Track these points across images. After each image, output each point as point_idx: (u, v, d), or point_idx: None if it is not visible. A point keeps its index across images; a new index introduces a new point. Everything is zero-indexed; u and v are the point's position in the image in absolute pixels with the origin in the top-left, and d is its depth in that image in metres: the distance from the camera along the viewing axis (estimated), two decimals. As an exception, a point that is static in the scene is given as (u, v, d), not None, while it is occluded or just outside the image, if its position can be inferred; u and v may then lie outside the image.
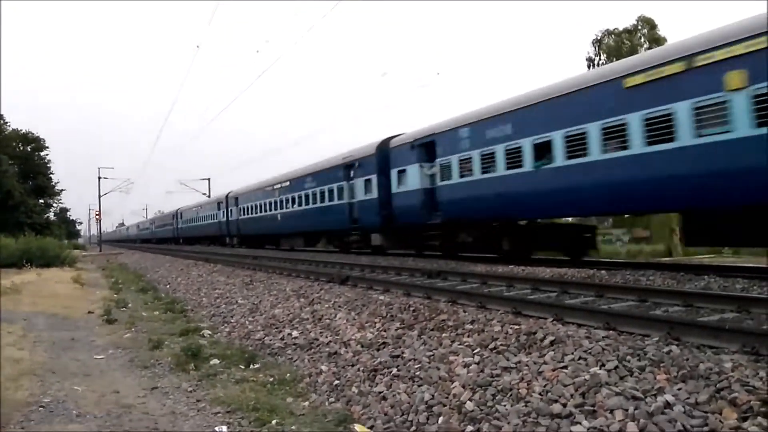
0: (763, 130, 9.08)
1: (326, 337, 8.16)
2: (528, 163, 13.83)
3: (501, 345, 5.74)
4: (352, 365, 6.77)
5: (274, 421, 5.39)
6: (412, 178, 18.70)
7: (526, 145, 13.88)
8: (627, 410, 3.92)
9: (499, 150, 14.74)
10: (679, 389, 4.03)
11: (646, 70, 11.00)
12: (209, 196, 59.00)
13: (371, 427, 5.19)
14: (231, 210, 40.14)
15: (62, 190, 59.71)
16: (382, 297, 9.52)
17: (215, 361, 7.97)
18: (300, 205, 27.65)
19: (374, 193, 20.85)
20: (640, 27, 36.04)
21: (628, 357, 4.68)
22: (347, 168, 22.99)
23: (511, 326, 6.18)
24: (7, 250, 28.62)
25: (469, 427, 4.51)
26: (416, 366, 5.97)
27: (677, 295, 7.31)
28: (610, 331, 5.66)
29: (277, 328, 9.57)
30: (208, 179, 65.80)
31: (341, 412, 5.61)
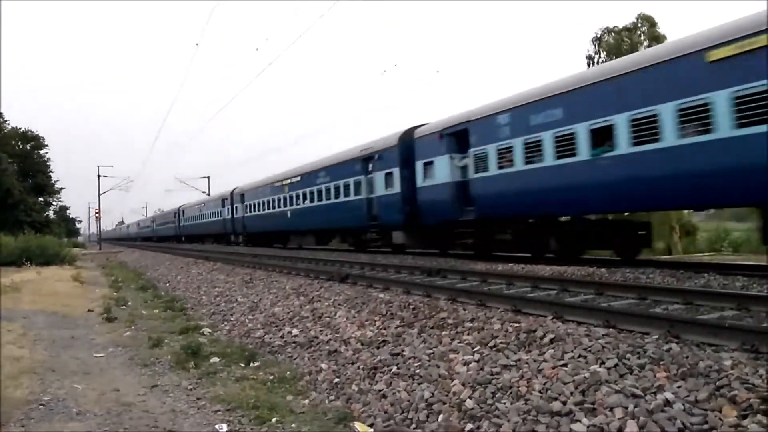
0: None
1: (326, 335, 8.17)
2: (584, 151, 12.28)
3: (501, 343, 5.74)
4: (352, 363, 6.78)
5: (274, 419, 5.40)
6: (441, 170, 17.13)
7: (582, 130, 12.32)
8: (627, 408, 3.92)
9: (547, 137, 13.17)
10: (678, 387, 4.03)
11: (737, 40, 9.50)
12: (209, 194, 58.89)
13: (371, 425, 5.19)
14: (236, 207, 38.71)
15: (62, 188, 59.80)
16: (381, 295, 9.52)
17: (215, 359, 7.98)
18: (312, 201, 26.29)
19: (396, 188, 19.35)
20: (639, 25, 35.98)
21: (628, 355, 4.69)
22: (365, 161, 21.49)
23: (510, 324, 6.19)
24: (6, 249, 28.61)
25: (469, 425, 4.52)
26: (416, 364, 5.98)
27: (677, 293, 7.31)
28: (610, 329, 5.65)
29: (277, 326, 9.57)
30: (208, 177, 65.75)
31: (341, 410, 5.61)
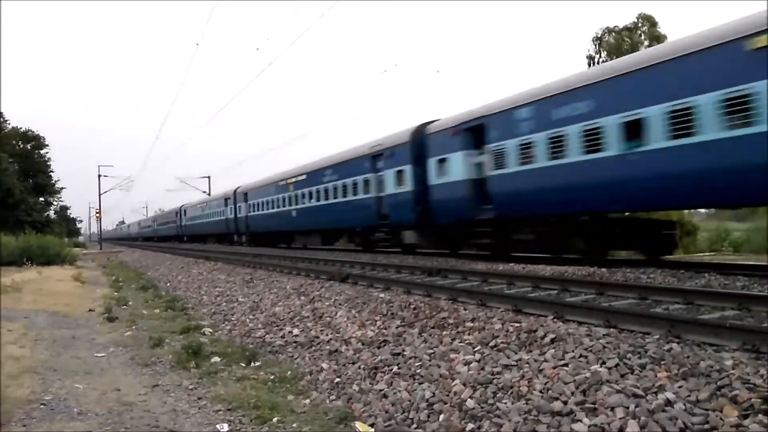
0: None
1: (327, 335, 8.17)
2: (613, 145, 11.55)
3: (501, 343, 5.74)
4: (353, 363, 6.78)
5: (275, 419, 5.41)
6: (456, 167, 16.35)
7: (612, 124, 11.58)
8: (628, 408, 3.92)
9: (573, 131, 12.42)
10: (679, 387, 4.03)
11: None
12: (209, 194, 58.80)
13: (372, 425, 5.19)
14: (239, 206, 37.96)
15: (62, 188, 59.80)
16: (382, 295, 9.53)
17: (216, 359, 7.99)
18: (318, 200, 25.58)
19: (408, 186, 18.59)
20: (640, 24, 35.98)
21: (629, 355, 4.69)
22: (374, 158, 20.76)
23: (511, 324, 6.19)
24: (7, 249, 28.63)
25: (470, 425, 4.52)
26: (417, 364, 5.98)
27: (678, 293, 7.31)
28: (611, 329, 5.65)
29: (277, 326, 9.58)
30: (208, 177, 65.70)
31: (342, 409, 5.62)
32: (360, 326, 7.97)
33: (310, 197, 26.45)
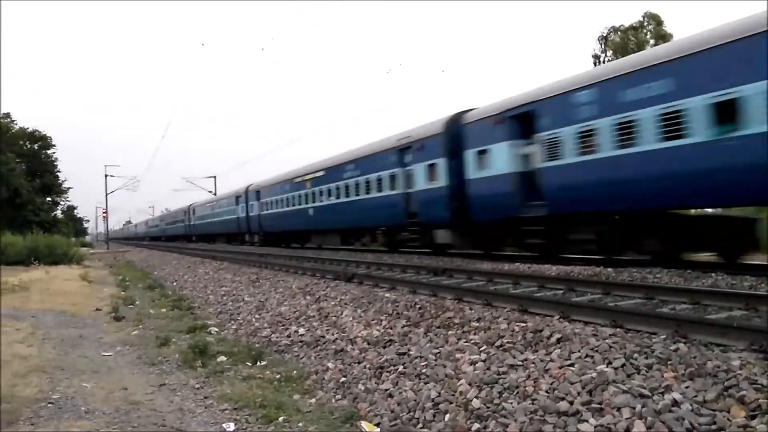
0: None
1: (332, 334, 8.18)
2: (700, 131, 10.04)
3: (507, 342, 5.73)
4: (359, 362, 6.79)
5: (281, 418, 5.42)
6: (499, 159, 14.83)
7: (697, 106, 10.07)
8: (634, 408, 3.91)
9: (647, 115, 10.84)
10: (686, 387, 4.02)
11: None
12: (215, 194, 58.86)
13: (378, 425, 5.20)
14: (251, 204, 36.57)
15: (69, 188, 59.92)
16: (388, 294, 9.53)
17: (222, 358, 8.01)
18: (338, 197, 24.23)
19: (441, 181, 17.13)
20: (646, 23, 35.86)
21: (635, 355, 4.67)
22: (402, 152, 19.30)
23: (517, 324, 6.18)
24: (15, 248, 28.84)
25: (476, 425, 4.52)
26: (422, 363, 5.98)
27: (684, 293, 7.29)
28: (617, 329, 5.64)
29: (283, 325, 9.59)
30: (214, 177, 65.86)
31: (348, 409, 5.62)
32: (365, 326, 7.97)
33: (329, 194, 25.18)
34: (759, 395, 3.71)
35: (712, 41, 10.02)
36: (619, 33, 36.26)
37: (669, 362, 4.43)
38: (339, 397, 6.11)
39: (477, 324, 6.58)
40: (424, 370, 5.80)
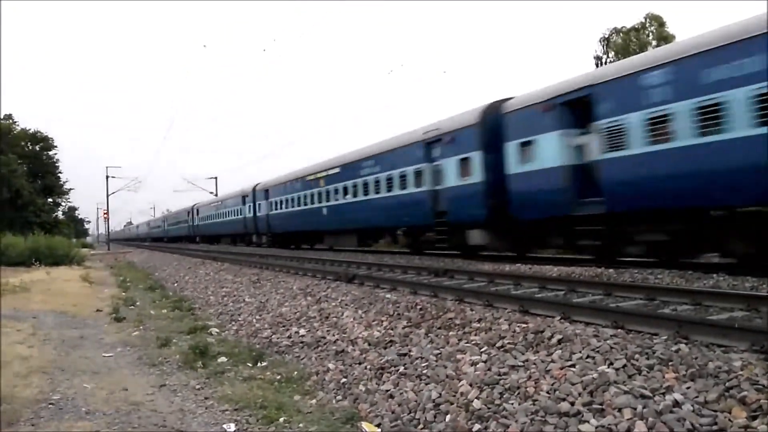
0: None
1: (333, 335, 8.18)
2: None
3: (508, 343, 5.73)
4: (360, 363, 6.78)
5: (281, 419, 5.42)
6: (547, 151, 13.29)
7: None
8: (635, 409, 3.90)
9: (738, 97, 9.37)
10: (687, 388, 4.01)
11: None
12: (216, 194, 58.80)
13: (379, 425, 5.19)
14: (259, 204, 35.10)
15: (70, 189, 60.04)
16: (389, 295, 9.53)
17: (223, 359, 8.01)
18: (355, 195, 22.70)
19: (476, 176, 15.67)
20: (648, 24, 35.85)
21: (637, 356, 4.67)
22: (429, 145, 17.87)
23: (518, 325, 6.17)
24: (16, 249, 28.88)
25: (477, 426, 4.51)
26: (423, 364, 5.98)
27: (686, 294, 7.28)
28: (618, 330, 5.63)
29: (284, 326, 9.59)
30: (215, 178, 65.89)
31: (349, 410, 5.62)
32: (366, 327, 7.97)
33: (345, 193, 23.69)
34: (760, 396, 3.70)
35: None
36: (620, 34, 36.25)
37: (670, 363, 4.42)
38: (340, 397, 6.10)
39: (478, 325, 6.58)
40: (424, 371, 5.79)
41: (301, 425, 5.28)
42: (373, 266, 14.93)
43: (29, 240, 31.26)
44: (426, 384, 5.53)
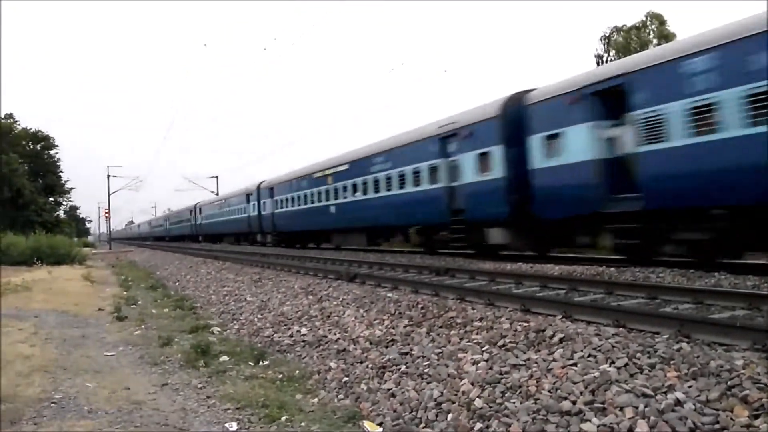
0: None
1: (335, 334, 8.18)
2: None
3: (510, 342, 5.73)
4: (361, 362, 6.79)
5: (283, 418, 5.42)
6: (576, 144, 12.50)
7: None
8: (637, 408, 3.90)
9: None
10: (689, 387, 4.01)
11: None
12: (217, 194, 58.79)
13: (380, 424, 5.20)
14: (264, 203, 34.38)
15: (72, 188, 60.19)
16: (390, 294, 9.53)
17: (224, 358, 8.01)
18: (365, 193, 21.99)
19: (497, 172, 14.89)
20: (648, 23, 35.83)
21: (638, 354, 4.67)
22: (445, 140, 17.10)
23: (519, 323, 6.17)
24: (18, 248, 28.93)
25: (478, 425, 4.51)
26: (425, 363, 5.98)
27: (687, 292, 7.28)
28: (620, 329, 5.64)
29: (285, 325, 9.60)
30: (216, 177, 65.96)
31: (350, 408, 5.62)
32: (368, 325, 7.97)
33: (355, 190, 22.91)
34: (762, 395, 3.70)
35: None
36: (621, 33, 36.22)
37: (672, 362, 4.42)
38: (341, 396, 6.11)
39: (479, 324, 6.58)
40: (426, 370, 5.80)
41: (303, 424, 5.28)
42: (375, 265, 14.94)
43: (31, 239, 31.31)
44: (427, 383, 5.53)
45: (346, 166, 24.00)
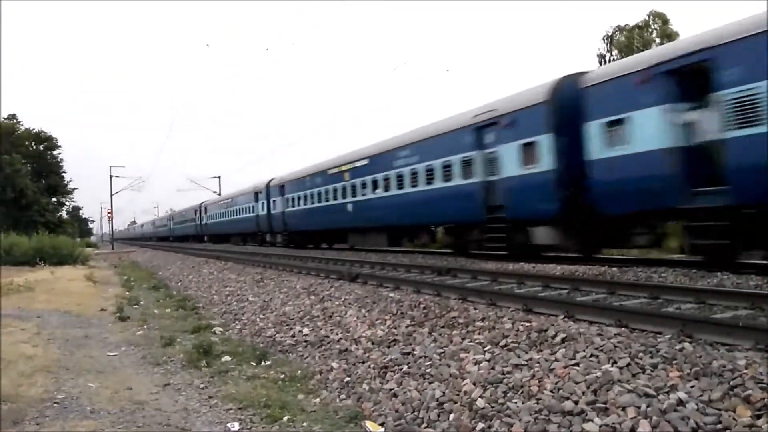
0: None
1: (337, 334, 8.18)
2: None
3: (512, 342, 5.73)
4: (363, 362, 6.79)
5: (285, 418, 5.42)
6: (647, 130, 10.90)
7: None
8: (639, 408, 3.90)
9: None
10: (692, 387, 4.00)
11: None
12: (220, 194, 58.77)
13: (382, 424, 5.20)
14: (274, 201, 32.98)
15: (74, 188, 60.26)
16: (392, 294, 9.53)
17: (227, 358, 8.03)
18: (387, 189, 20.51)
19: (544, 164, 13.31)
20: (651, 22, 35.76)
21: (641, 354, 4.66)
22: (480, 130, 15.49)
23: (522, 323, 6.17)
24: (20, 249, 29.01)
25: (480, 425, 4.51)
26: (427, 363, 5.98)
27: (690, 292, 7.26)
28: (622, 329, 5.63)
29: (287, 325, 9.60)
30: (219, 177, 66.02)
31: (352, 408, 5.62)
32: (370, 325, 7.97)
33: (375, 186, 21.43)
34: (765, 394, 3.69)
35: None
36: (624, 32, 36.17)
37: (674, 361, 4.41)
38: (343, 396, 6.11)
39: (481, 324, 6.58)
40: (428, 370, 5.79)
41: (304, 424, 5.29)
42: (376, 265, 14.94)
43: (33, 239, 31.39)
44: (429, 383, 5.53)
45: (365, 161, 22.49)
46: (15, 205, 46.27)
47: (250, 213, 37.54)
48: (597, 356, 4.83)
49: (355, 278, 12.17)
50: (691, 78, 10.26)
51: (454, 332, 6.61)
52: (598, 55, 36.85)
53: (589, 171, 12.34)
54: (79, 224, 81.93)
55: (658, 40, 33.96)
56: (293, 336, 8.87)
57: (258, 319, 10.70)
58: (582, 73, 13.20)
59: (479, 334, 6.30)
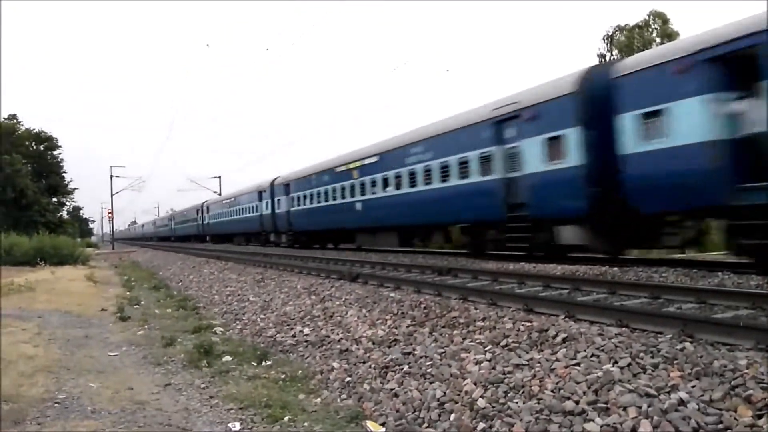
0: None
1: (337, 334, 8.18)
2: None
3: (513, 342, 5.73)
4: (364, 362, 6.79)
5: (286, 418, 5.43)
6: (687, 122, 10.10)
7: None
8: (640, 408, 3.90)
9: None
10: (693, 386, 4.00)
11: None
12: (220, 194, 58.73)
13: (383, 424, 5.20)
14: (278, 200, 32.21)
15: (75, 188, 60.25)
16: (393, 294, 9.53)
17: (227, 358, 8.03)
18: (398, 187, 19.74)
19: (572, 159, 12.47)
20: (651, 22, 35.76)
21: (641, 354, 4.66)
22: (500, 124, 14.68)
23: (522, 323, 6.17)
24: (21, 249, 29.03)
25: (481, 424, 4.51)
26: (428, 363, 5.98)
27: (691, 292, 7.26)
28: (623, 328, 5.63)
29: (288, 325, 9.61)
30: (219, 177, 66.01)
31: (353, 408, 5.63)
32: (370, 325, 7.97)
33: (386, 184, 20.66)
34: (766, 394, 3.69)
35: None
36: (624, 32, 36.17)
37: (675, 361, 4.41)
38: (344, 396, 6.11)
39: (482, 323, 6.58)
40: (429, 370, 5.80)
41: (305, 424, 5.29)
42: (377, 265, 14.94)
43: (34, 240, 31.42)
44: (430, 383, 5.53)
45: (375, 159, 21.67)
46: (15, 205, 46.30)
47: (253, 212, 36.89)
48: (598, 356, 4.83)
49: (356, 278, 12.18)
50: (736, 66, 9.51)
51: (455, 332, 6.62)
52: (598, 55, 36.84)
53: (622, 166, 11.52)
54: (80, 224, 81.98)
55: (658, 40, 33.96)
56: (294, 336, 8.87)
57: (259, 319, 10.70)
58: (613, 63, 12.18)
59: (480, 333, 6.30)
